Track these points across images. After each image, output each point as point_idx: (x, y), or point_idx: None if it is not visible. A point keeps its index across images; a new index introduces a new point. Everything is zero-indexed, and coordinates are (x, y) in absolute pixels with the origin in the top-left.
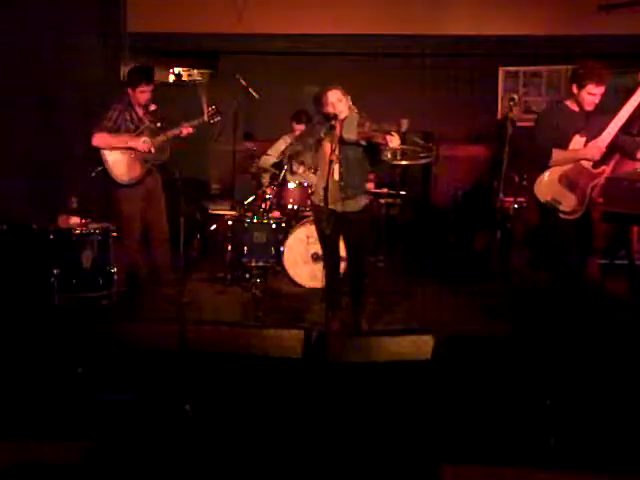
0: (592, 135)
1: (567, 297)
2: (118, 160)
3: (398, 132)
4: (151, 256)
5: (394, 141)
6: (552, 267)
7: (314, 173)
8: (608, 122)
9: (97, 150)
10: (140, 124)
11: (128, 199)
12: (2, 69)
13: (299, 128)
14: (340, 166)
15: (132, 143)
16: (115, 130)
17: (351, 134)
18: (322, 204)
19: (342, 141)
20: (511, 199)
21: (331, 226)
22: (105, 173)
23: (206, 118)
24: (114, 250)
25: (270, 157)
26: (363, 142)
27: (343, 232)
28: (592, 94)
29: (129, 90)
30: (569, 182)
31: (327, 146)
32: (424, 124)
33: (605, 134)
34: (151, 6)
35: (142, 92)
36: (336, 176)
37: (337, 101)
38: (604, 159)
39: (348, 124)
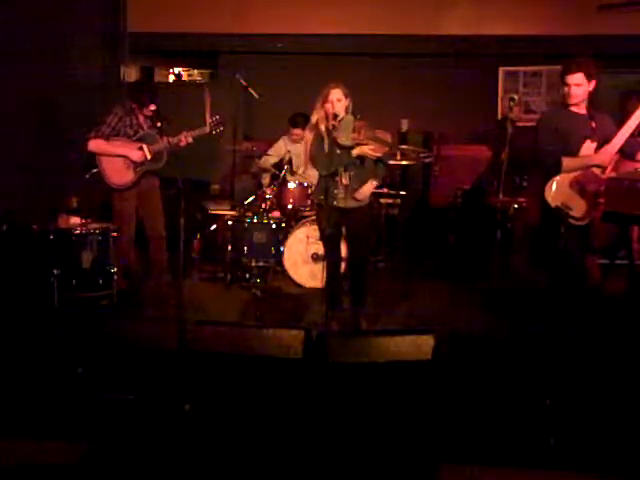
0: (601, 139)
1: (567, 297)
2: (111, 165)
3: (392, 140)
4: (149, 255)
5: (386, 158)
6: (553, 267)
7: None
8: (613, 123)
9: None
10: (139, 129)
11: (123, 199)
12: (2, 70)
13: (296, 132)
14: (348, 171)
15: (127, 152)
16: (113, 135)
17: (346, 139)
18: (324, 203)
19: (338, 145)
20: (511, 199)
21: (334, 224)
22: (99, 175)
23: (208, 129)
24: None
25: (270, 157)
26: (356, 151)
27: (346, 228)
28: (568, 84)
29: (135, 105)
30: (580, 188)
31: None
32: (424, 124)
33: (617, 139)
34: (151, 6)
35: (150, 109)
36: (344, 180)
37: (336, 101)
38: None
39: (344, 127)
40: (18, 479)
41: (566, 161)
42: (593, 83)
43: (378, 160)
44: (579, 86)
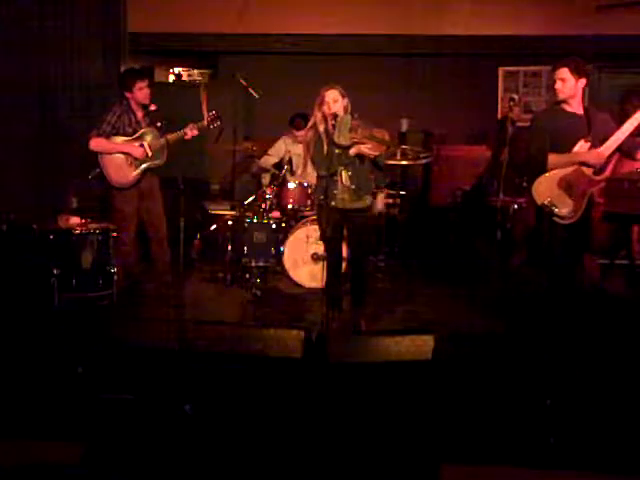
0: (598, 139)
1: (565, 297)
2: (113, 164)
3: (390, 139)
4: (150, 256)
5: (383, 157)
6: (547, 268)
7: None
8: (611, 124)
9: (95, 153)
10: (138, 127)
11: (124, 198)
12: (2, 69)
13: (297, 133)
14: (348, 170)
15: (128, 149)
16: (113, 134)
17: (344, 139)
18: (326, 203)
19: (335, 145)
20: (511, 199)
21: (335, 225)
22: (102, 175)
23: (206, 123)
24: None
25: (270, 157)
26: (353, 150)
27: (347, 229)
28: (554, 80)
29: (127, 94)
30: (568, 186)
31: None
32: (424, 124)
33: (610, 142)
34: (151, 6)
35: (140, 89)
36: (346, 181)
37: (333, 102)
38: (605, 166)
39: (342, 127)
40: (18, 479)
41: (551, 157)
42: (582, 81)
43: (376, 159)
44: (564, 81)
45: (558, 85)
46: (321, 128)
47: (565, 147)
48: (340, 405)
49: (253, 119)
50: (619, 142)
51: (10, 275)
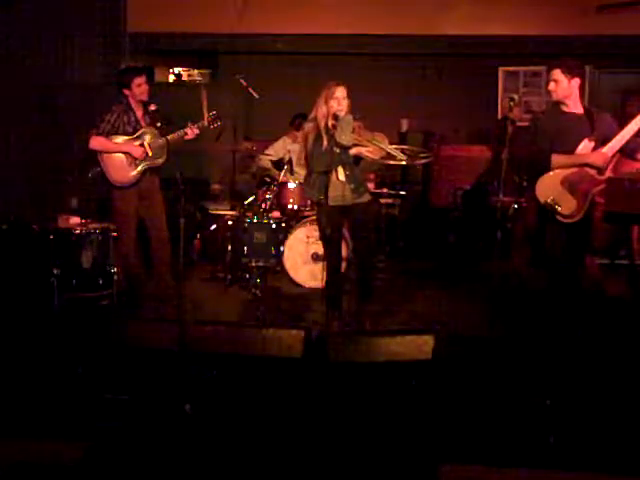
0: (601, 139)
1: (565, 297)
2: (113, 163)
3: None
4: (151, 256)
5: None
6: (548, 267)
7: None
8: (614, 123)
9: (95, 152)
10: (138, 127)
11: (124, 198)
12: (2, 69)
13: (300, 134)
14: (344, 169)
15: (127, 149)
16: (113, 133)
17: (345, 139)
18: (325, 203)
19: (336, 143)
20: (511, 199)
21: (334, 223)
22: (101, 174)
23: (206, 123)
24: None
25: (270, 156)
26: (353, 151)
27: (348, 224)
28: (548, 80)
29: (126, 91)
30: (571, 185)
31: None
32: (424, 124)
33: (614, 142)
34: (151, 6)
35: (139, 85)
36: (341, 177)
37: (342, 99)
38: (607, 165)
39: (344, 127)
40: (17, 479)
41: (555, 157)
42: (576, 80)
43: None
44: (557, 82)
45: (551, 86)
46: (322, 124)
47: (568, 147)
48: (340, 405)
49: (253, 119)
50: (623, 142)
51: (10, 275)
